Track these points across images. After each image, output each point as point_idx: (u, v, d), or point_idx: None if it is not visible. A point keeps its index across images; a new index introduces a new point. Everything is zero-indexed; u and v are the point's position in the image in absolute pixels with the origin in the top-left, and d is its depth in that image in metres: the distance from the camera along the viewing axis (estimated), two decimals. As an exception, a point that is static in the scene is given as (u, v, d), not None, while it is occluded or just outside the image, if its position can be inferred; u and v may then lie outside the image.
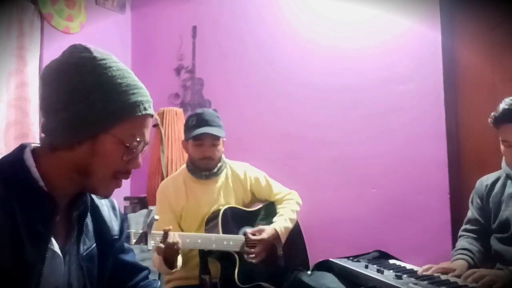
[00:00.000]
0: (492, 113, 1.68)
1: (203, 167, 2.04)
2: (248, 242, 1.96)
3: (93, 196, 1.03)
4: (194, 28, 3.21)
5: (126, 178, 0.95)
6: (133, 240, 1.57)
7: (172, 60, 3.27)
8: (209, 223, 1.99)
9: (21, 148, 0.90)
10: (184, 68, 3.24)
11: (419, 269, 1.52)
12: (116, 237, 1.06)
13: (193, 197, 2.04)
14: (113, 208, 1.09)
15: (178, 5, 3.28)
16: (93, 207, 1.02)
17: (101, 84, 0.85)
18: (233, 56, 3.03)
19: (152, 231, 1.62)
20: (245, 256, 1.94)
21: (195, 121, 2.01)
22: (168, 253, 1.66)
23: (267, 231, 1.97)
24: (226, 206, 2.00)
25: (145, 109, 0.90)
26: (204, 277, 1.85)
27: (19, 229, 0.81)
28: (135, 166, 0.93)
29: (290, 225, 2.06)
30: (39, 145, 0.92)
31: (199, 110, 2.10)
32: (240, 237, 1.95)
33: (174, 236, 1.66)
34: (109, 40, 3.31)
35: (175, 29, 3.28)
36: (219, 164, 2.08)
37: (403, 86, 2.48)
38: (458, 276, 1.46)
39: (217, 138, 2.00)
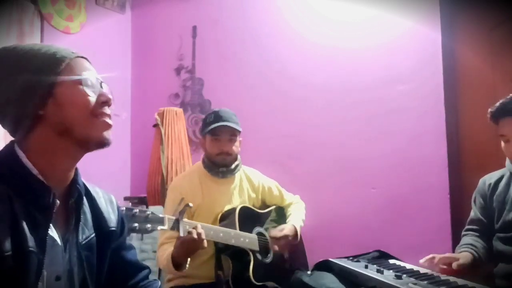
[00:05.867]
0: (489, 109, 1.70)
1: (220, 163, 2.05)
2: (262, 239, 2.01)
3: (90, 189, 1.04)
4: (194, 28, 3.21)
5: (106, 115, 0.95)
6: (166, 225, 1.52)
7: (172, 60, 3.27)
8: (224, 220, 1.99)
9: (12, 143, 0.93)
10: (184, 68, 3.24)
11: (419, 269, 1.52)
12: (113, 228, 1.06)
13: (208, 195, 2.04)
14: (111, 201, 1.10)
15: (178, 5, 3.28)
16: (90, 198, 1.03)
17: (22, 55, 0.92)
18: (233, 56, 3.03)
19: (184, 219, 1.60)
20: (273, 249, 2.01)
21: (213, 118, 2.04)
22: (193, 246, 1.62)
23: (287, 228, 2.04)
24: (241, 205, 2.03)
25: (73, 53, 0.96)
26: (219, 272, 1.87)
27: (18, 219, 0.83)
28: (104, 98, 0.95)
29: (302, 224, 2.15)
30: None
31: (216, 109, 2.14)
32: (254, 236, 1.99)
33: (198, 228, 1.63)
34: (109, 40, 3.31)
35: (175, 29, 3.27)
36: (236, 162, 2.10)
37: (403, 86, 2.48)
38: (462, 265, 1.47)
39: (234, 133, 2.03)
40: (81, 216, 0.98)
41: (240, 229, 1.93)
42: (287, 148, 2.77)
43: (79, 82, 0.92)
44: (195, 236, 1.59)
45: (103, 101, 0.95)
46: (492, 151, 2.20)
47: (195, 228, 1.62)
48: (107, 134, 0.95)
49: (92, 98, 0.93)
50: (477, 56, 2.39)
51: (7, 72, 0.90)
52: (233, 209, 1.99)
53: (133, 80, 3.46)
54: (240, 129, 2.05)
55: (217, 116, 2.04)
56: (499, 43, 2.32)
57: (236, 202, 2.08)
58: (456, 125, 2.42)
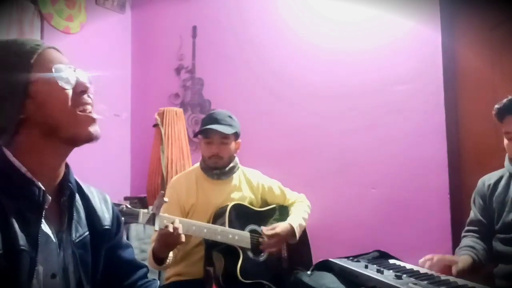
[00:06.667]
0: (496, 106, 1.69)
1: (211, 165, 2.06)
2: (255, 237, 2.01)
3: (84, 188, 1.04)
4: (194, 28, 3.21)
5: (88, 105, 0.93)
6: (141, 219, 1.56)
7: (172, 60, 3.27)
8: (217, 218, 2.00)
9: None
10: (184, 68, 3.24)
11: (419, 269, 1.52)
12: (107, 227, 1.05)
13: (203, 195, 2.05)
14: (105, 200, 1.09)
15: (178, 5, 3.28)
16: (83, 196, 1.03)
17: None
18: (233, 56, 3.03)
19: (161, 214, 1.62)
20: (260, 246, 1.99)
21: (206, 119, 2.06)
22: (169, 240, 1.63)
23: (281, 226, 2.02)
24: (234, 202, 2.02)
25: (38, 45, 0.92)
26: (209, 268, 1.88)
27: (7, 217, 0.83)
28: (82, 87, 0.93)
29: (303, 223, 2.13)
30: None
31: (213, 110, 2.15)
32: (245, 233, 1.98)
33: (175, 222, 1.65)
34: (109, 40, 3.31)
35: (175, 29, 3.28)
36: (231, 164, 2.09)
37: (403, 86, 2.48)
38: (461, 270, 1.48)
39: (225, 136, 2.01)
40: (74, 214, 0.97)
41: (232, 226, 1.93)
42: (287, 148, 2.77)
43: (53, 77, 0.90)
44: (171, 230, 1.60)
45: (81, 91, 0.92)
46: (492, 151, 2.20)
47: (172, 222, 1.63)
48: (93, 128, 0.93)
49: (69, 91, 0.91)
50: (477, 56, 2.39)
51: None
52: (226, 207, 2.00)
53: (133, 80, 3.46)
54: (228, 132, 2.00)
55: (210, 118, 2.04)
56: (499, 43, 2.32)
57: (233, 202, 2.08)
58: (456, 125, 2.42)
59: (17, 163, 0.88)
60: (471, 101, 2.39)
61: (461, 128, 2.42)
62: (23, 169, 0.87)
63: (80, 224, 0.99)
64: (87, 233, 1.00)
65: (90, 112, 0.93)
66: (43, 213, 0.88)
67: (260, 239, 2.04)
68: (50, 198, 0.90)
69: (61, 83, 0.90)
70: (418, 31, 2.45)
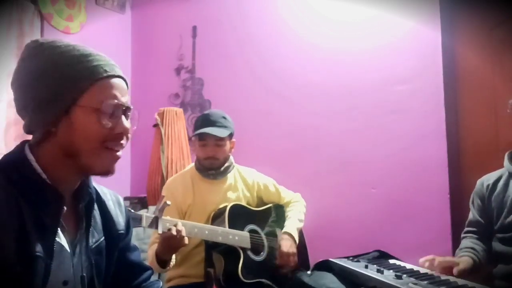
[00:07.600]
0: None
1: (207, 167, 2.07)
2: (254, 237, 2.02)
3: (99, 191, 1.04)
4: (194, 28, 3.21)
5: (119, 146, 0.91)
6: (144, 223, 1.56)
7: (172, 60, 3.27)
8: (216, 219, 2.00)
9: (22, 144, 0.91)
10: (184, 68, 3.24)
11: (419, 269, 1.52)
12: (121, 231, 1.05)
13: (200, 195, 2.06)
14: (119, 203, 1.09)
15: (178, 5, 3.28)
16: (100, 201, 1.03)
17: (53, 62, 0.88)
18: (233, 56, 3.03)
19: (163, 217, 1.62)
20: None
21: (200, 121, 2.05)
22: (173, 243, 1.64)
23: (283, 242, 2.02)
24: (233, 203, 2.03)
25: (106, 71, 0.90)
26: (209, 270, 1.88)
27: (26, 224, 0.82)
28: (121, 129, 0.91)
29: (300, 224, 2.14)
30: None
31: (207, 111, 2.15)
32: (245, 234, 1.99)
33: (178, 225, 1.65)
34: (109, 40, 3.31)
35: (175, 29, 3.27)
36: (226, 164, 2.10)
37: (403, 86, 2.48)
38: (463, 271, 1.47)
39: (220, 138, 2.02)
40: (91, 221, 0.97)
41: (231, 227, 1.93)
42: (287, 148, 2.77)
43: (98, 108, 0.87)
44: (174, 233, 1.60)
45: (118, 132, 0.91)
46: (492, 151, 2.20)
47: (175, 225, 1.63)
48: (112, 165, 0.92)
49: (106, 129, 0.89)
50: (477, 56, 2.39)
51: (41, 72, 0.87)
52: (224, 207, 2.00)
53: (133, 80, 3.45)
54: (223, 135, 2.01)
55: (204, 120, 2.04)
56: (499, 43, 2.31)
57: (230, 201, 2.08)
58: (456, 125, 2.42)
59: (38, 169, 0.87)
60: (471, 101, 2.39)
61: (461, 128, 2.42)
62: (44, 176, 0.87)
63: (96, 230, 0.99)
64: (103, 238, 1.00)
65: (117, 151, 0.92)
66: (59, 220, 0.88)
67: (260, 240, 2.05)
68: (65, 208, 0.89)
69: (103, 118, 0.88)
70: (418, 31, 2.45)
